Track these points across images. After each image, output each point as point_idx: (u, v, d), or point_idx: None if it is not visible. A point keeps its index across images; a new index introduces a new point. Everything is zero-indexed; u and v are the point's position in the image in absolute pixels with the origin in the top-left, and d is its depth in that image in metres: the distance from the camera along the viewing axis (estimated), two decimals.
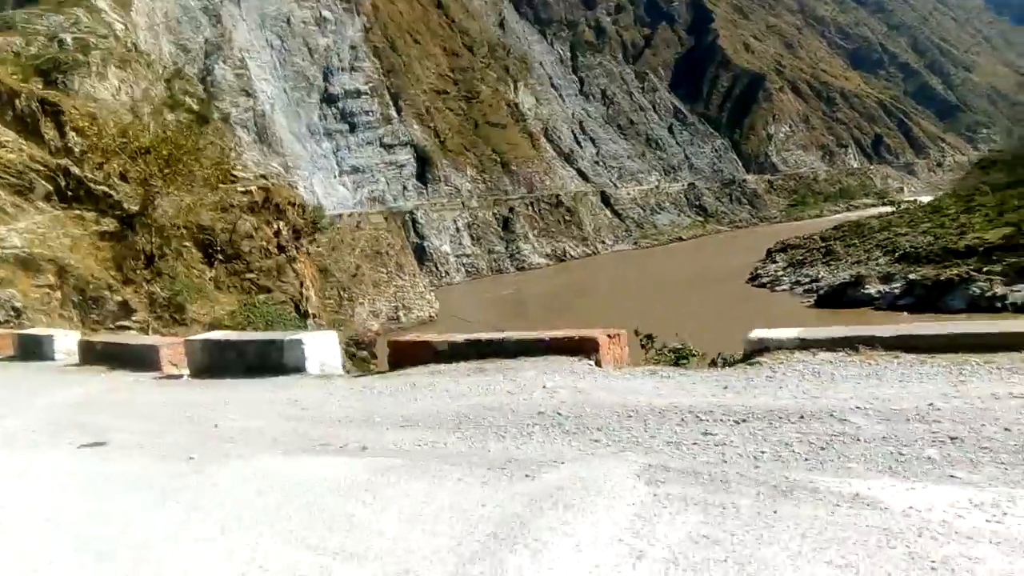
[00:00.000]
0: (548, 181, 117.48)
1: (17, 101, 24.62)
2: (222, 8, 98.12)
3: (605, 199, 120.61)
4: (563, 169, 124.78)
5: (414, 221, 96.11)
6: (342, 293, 65.58)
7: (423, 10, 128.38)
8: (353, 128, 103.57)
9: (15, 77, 67.10)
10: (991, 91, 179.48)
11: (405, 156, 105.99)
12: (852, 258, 63.08)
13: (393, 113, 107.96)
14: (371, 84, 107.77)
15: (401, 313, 69.05)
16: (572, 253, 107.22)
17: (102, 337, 13.55)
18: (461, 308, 73.51)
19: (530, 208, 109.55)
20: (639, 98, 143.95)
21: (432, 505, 3.25)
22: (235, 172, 27.96)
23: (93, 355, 11.23)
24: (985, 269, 44.23)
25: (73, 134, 23.83)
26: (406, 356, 7.22)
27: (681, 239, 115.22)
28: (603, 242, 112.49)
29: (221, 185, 23.13)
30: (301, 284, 24.95)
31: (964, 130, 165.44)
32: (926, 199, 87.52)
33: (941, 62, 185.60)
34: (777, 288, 63.58)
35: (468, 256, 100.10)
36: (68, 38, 64.40)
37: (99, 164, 22.90)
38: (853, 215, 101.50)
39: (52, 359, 12.20)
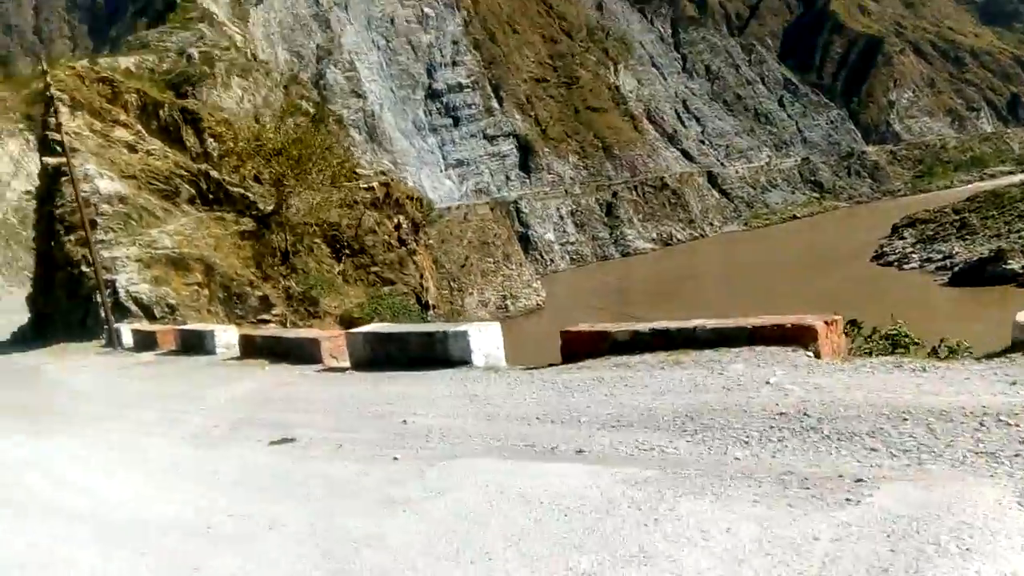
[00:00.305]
0: (652, 164, 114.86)
1: (161, 112, 26.20)
2: (331, 14, 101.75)
3: (712, 179, 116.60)
4: (667, 151, 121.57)
5: (518, 210, 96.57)
6: (452, 284, 66.69)
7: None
8: (457, 122, 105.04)
9: (152, 91, 71.86)
10: None
11: (508, 147, 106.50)
12: (990, 231, 57.96)
13: (495, 104, 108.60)
14: (473, 77, 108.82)
15: (509, 302, 69.45)
16: (679, 236, 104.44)
17: (261, 331, 13.98)
18: (568, 295, 73.15)
19: (634, 192, 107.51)
20: (746, 71, 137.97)
21: (741, 536, 2.73)
22: (357, 169, 28.69)
23: (253, 349, 11.55)
24: None
25: (211, 140, 25.11)
26: (581, 347, 6.84)
27: (795, 217, 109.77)
28: (711, 224, 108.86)
29: (346, 183, 23.75)
30: (421, 276, 25.33)
31: None
32: None
33: None
34: (905, 266, 59.32)
35: (572, 243, 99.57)
36: (195, 52, 68.49)
37: (235, 167, 24.02)
38: (988, 184, 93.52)
39: (213, 353, 12.63)
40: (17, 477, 6.18)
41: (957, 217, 64.59)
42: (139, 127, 25.10)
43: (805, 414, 4.00)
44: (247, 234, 21.89)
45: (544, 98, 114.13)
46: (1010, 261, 47.41)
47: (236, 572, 3.46)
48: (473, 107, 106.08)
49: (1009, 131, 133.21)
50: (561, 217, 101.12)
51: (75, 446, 7.23)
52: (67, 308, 20.68)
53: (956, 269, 51.48)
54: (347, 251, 23.07)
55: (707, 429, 4.18)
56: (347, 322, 14.99)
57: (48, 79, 23.45)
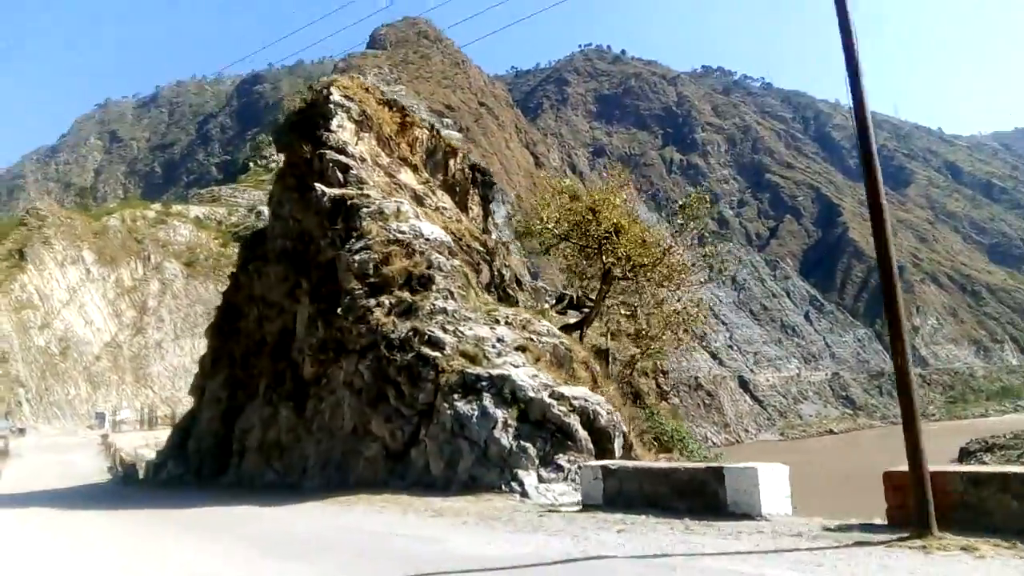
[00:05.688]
0: (684, 363, 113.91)
1: (451, 162, 22.07)
2: None
3: (744, 384, 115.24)
4: (696, 352, 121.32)
5: None
6: None
7: None
8: None
9: (216, 241, 71.67)
10: None
11: None
12: None
13: None
14: None
15: None
16: (714, 439, 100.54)
17: None
18: None
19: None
20: (771, 284, 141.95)
21: None
22: None
23: None
24: None
25: (494, 212, 20.56)
26: None
27: (832, 432, 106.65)
28: (746, 430, 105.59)
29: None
30: None
31: None
32: None
33: None
34: None
35: None
36: (265, 211, 70.01)
37: (544, 250, 19.31)
38: None
39: None
40: None
41: None
42: (427, 175, 20.63)
43: None
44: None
45: None
46: None
47: None
48: None
49: None
50: None
51: None
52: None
53: None
54: None
55: None
56: None
57: (331, 86, 18.89)
